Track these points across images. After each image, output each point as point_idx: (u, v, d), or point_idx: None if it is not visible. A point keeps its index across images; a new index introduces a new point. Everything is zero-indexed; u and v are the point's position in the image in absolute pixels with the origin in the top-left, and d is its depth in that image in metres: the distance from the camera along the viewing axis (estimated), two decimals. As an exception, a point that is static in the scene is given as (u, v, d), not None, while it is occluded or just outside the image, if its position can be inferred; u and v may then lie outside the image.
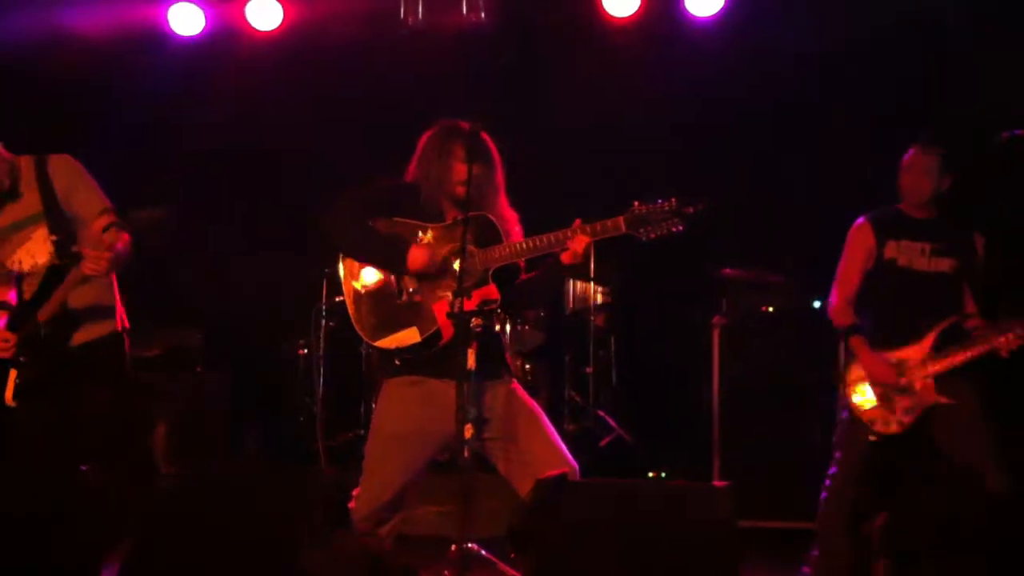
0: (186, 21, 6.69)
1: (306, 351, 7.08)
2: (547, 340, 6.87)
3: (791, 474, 5.64)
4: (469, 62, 6.95)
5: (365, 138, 6.74)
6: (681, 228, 3.71)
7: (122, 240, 4.04)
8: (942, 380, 4.38)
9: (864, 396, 4.47)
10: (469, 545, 3.71)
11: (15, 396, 4.06)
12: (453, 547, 3.69)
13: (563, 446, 3.84)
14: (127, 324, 4.40)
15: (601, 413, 6.89)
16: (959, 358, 4.38)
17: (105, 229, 3.91)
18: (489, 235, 3.85)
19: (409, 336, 3.81)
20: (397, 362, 3.89)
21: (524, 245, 3.82)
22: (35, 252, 4.18)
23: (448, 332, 3.75)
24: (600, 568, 3.06)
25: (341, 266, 3.97)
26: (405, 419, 3.85)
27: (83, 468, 4.05)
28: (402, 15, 6.74)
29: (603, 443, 6.72)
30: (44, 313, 4.08)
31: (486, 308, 3.74)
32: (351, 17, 6.83)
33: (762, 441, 5.79)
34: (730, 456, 5.87)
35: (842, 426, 4.60)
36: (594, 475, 5.16)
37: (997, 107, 5.53)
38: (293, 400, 7.20)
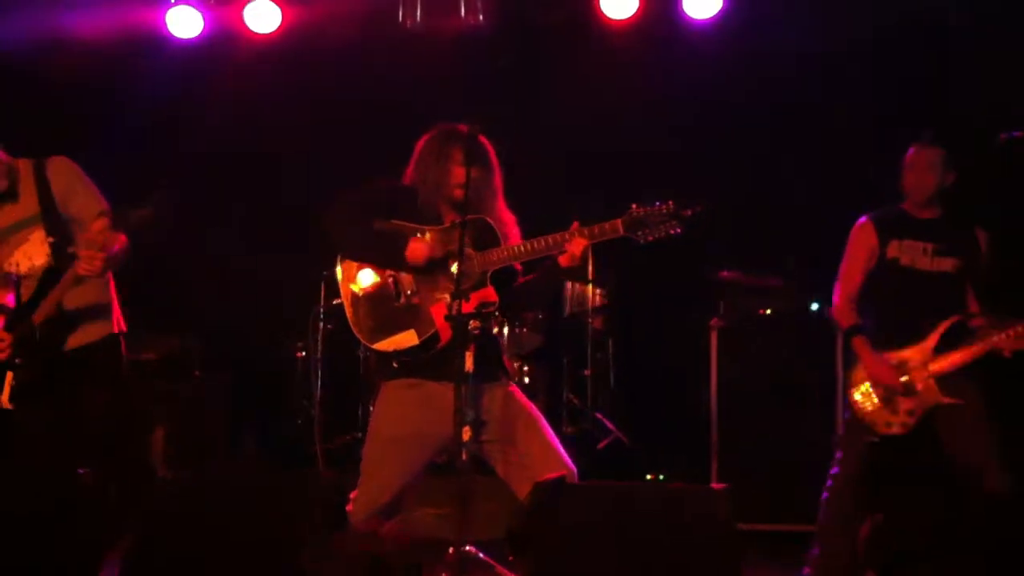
0: (184, 24, 6.69)
1: (304, 354, 7.08)
2: (545, 342, 6.86)
3: (790, 476, 5.64)
4: (467, 65, 6.95)
5: (363, 140, 6.74)
6: (679, 231, 3.72)
7: (118, 242, 4.05)
8: (945, 380, 4.39)
9: (867, 397, 4.48)
10: (467, 548, 3.70)
11: (11, 398, 4.06)
12: (451, 549, 3.69)
13: (561, 448, 3.84)
14: (124, 327, 4.40)
15: (599, 416, 6.88)
16: (962, 358, 4.38)
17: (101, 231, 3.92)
18: (487, 238, 3.85)
19: (407, 339, 3.82)
20: (395, 365, 3.89)
21: (522, 248, 3.82)
22: (32, 254, 4.19)
23: (446, 335, 3.75)
24: (598, 571, 3.06)
25: (339, 269, 3.97)
26: (403, 422, 3.85)
27: (81, 471, 4.05)
28: (400, 18, 6.74)
29: (601, 445, 6.71)
30: (40, 315, 4.08)
31: (484, 311, 3.74)
32: (349, 19, 6.83)
33: (760, 443, 5.79)
34: (728, 458, 5.87)
35: (845, 426, 4.60)
36: (592, 477, 5.17)
37: (998, 107, 5.54)
38: (291, 403, 7.20)
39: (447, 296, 3.72)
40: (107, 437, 4.27)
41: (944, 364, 4.40)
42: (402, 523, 3.92)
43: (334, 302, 6.48)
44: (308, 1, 6.81)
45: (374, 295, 3.90)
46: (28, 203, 4.22)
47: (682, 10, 6.48)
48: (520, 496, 3.74)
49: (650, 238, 3.73)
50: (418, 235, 3.89)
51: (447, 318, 3.69)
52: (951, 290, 4.53)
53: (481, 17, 6.67)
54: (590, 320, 6.95)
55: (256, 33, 6.80)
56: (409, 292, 3.85)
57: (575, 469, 3.80)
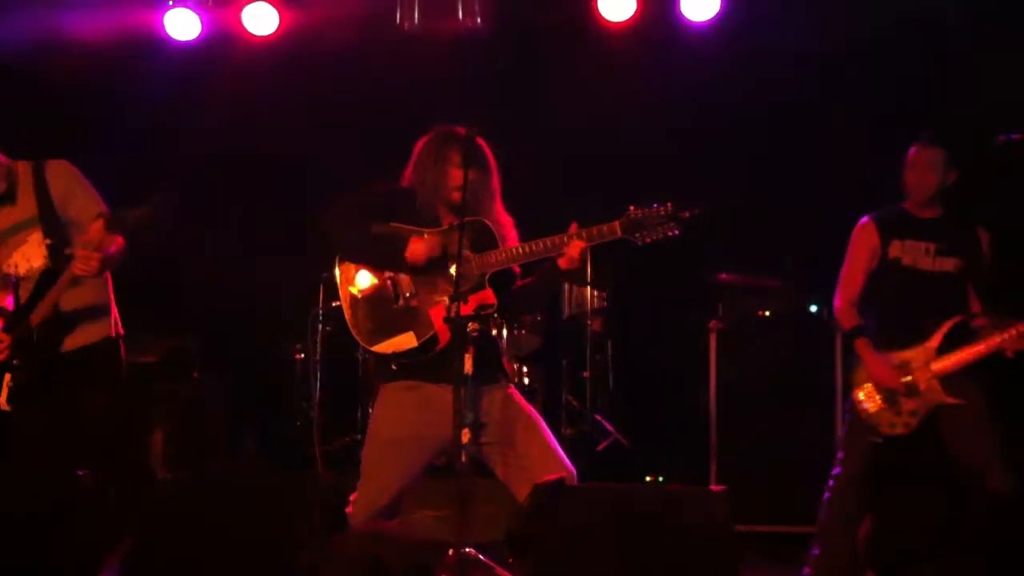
0: (182, 26, 6.68)
1: (303, 356, 7.08)
2: (544, 344, 6.87)
3: (788, 478, 5.65)
4: (465, 67, 6.95)
5: (361, 143, 6.74)
6: (677, 232, 3.73)
7: (115, 243, 4.06)
8: (948, 380, 4.39)
9: (870, 398, 4.48)
10: (467, 550, 3.70)
11: (9, 400, 4.07)
12: (451, 551, 3.68)
13: (560, 450, 3.84)
14: (121, 330, 4.41)
15: (598, 417, 6.89)
16: (964, 358, 4.39)
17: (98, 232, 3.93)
18: (485, 240, 3.85)
19: (406, 341, 3.82)
20: (394, 367, 3.89)
21: (520, 250, 3.82)
22: (30, 256, 4.20)
23: (445, 337, 3.75)
24: (598, 572, 3.06)
25: (338, 271, 3.98)
26: (402, 424, 3.85)
27: (80, 473, 4.05)
28: (398, 20, 6.74)
29: (600, 447, 6.72)
30: (37, 316, 4.09)
31: (483, 313, 3.74)
32: (347, 22, 6.83)
33: (759, 445, 5.79)
34: (727, 460, 5.87)
35: (847, 427, 4.61)
36: (591, 479, 5.17)
37: (997, 107, 5.54)
38: (290, 405, 7.20)
39: (446, 298, 3.73)
40: (106, 439, 4.28)
41: (947, 364, 4.40)
42: (402, 525, 3.92)
43: (333, 304, 6.48)
44: (306, 4, 6.80)
45: (373, 297, 3.90)
46: (26, 205, 4.23)
47: (680, 12, 6.49)
48: (519, 498, 3.74)
49: (648, 240, 3.74)
50: (416, 237, 3.89)
51: (446, 320, 3.69)
52: (953, 290, 4.53)
53: (479, 20, 6.67)
54: (589, 322, 6.95)
55: (254, 35, 6.79)
56: (408, 294, 3.85)
57: (574, 471, 3.80)
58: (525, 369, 6.73)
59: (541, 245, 3.80)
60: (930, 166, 4.52)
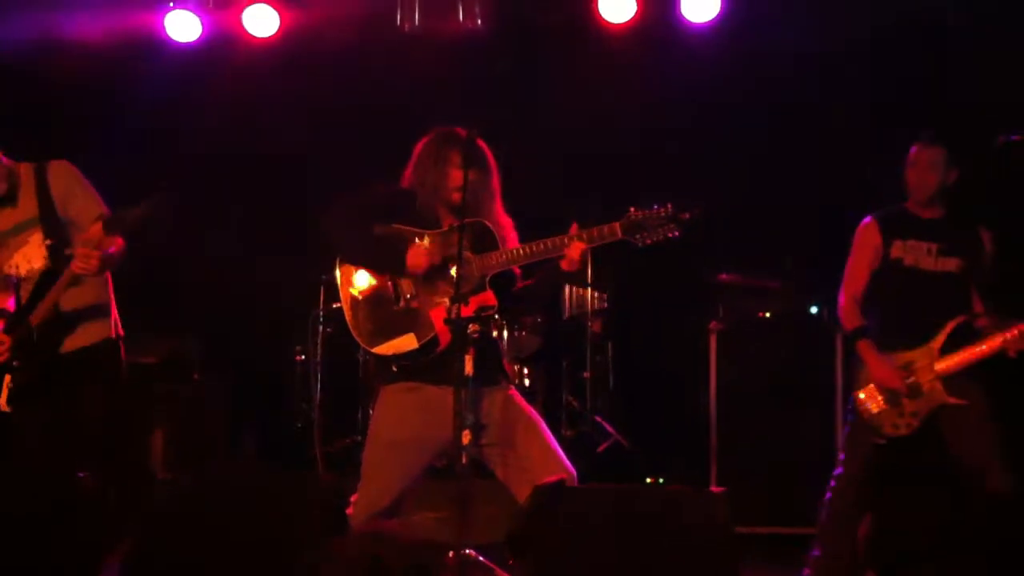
0: (183, 28, 6.69)
1: (304, 357, 7.08)
2: (544, 346, 6.87)
3: (788, 479, 5.65)
4: (465, 68, 6.96)
5: (361, 144, 6.74)
6: (677, 234, 3.73)
7: (114, 243, 4.07)
8: (950, 380, 4.39)
9: (872, 399, 4.48)
10: (467, 551, 3.71)
11: (9, 400, 4.07)
12: (451, 553, 3.68)
13: (561, 452, 3.84)
14: (121, 331, 4.41)
15: (598, 419, 6.89)
16: (966, 358, 4.39)
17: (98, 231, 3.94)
18: (485, 241, 3.86)
19: (406, 342, 3.82)
20: (394, 368, 3.89)
21: (521, 251, 3.83)
22: (31, 257, 4.20)
23: (445, 338, 3.75)
24: (598, 574, 3.06)
25: (338, 272, 3.98)
26: (403, 425, 3.85)
27: (81, 475, 4.05)
28: (398, 21, 6.74)
29: (600, 449, 6.72)
30: (36, 316, 4.10)
31: (483, 314, 3.75)
32: (347, 23, 6.83)
33: (759, 446, 5.79)
34: (727, 461, 5.87)
35: (849, 427, 4.61)
36: (592, 481, 5.17)
37: (997, 107, 5.54)
38: (291, 406, 7.20)
39: (446, 300, 3.73)
40: (106, 439, 4.28)
41: (949, 365, 4.40)
42: (402, 527, 3.92)
43: (333, 306, 6.49)
44: (306, 5, 6.81)
45: (373, 298, 3.90)
46: (27, 206, 4.24)
47: (680, 14, 6.49)
48: (520, 499, 3.74)
49: (648, 241, 3.74)
50: (417, 239, 3.89)
51: (446, 322, 3.69)
52: (955, 290, 4.53)
53: (479, 21, 6.68)
54: (589, 323, 6.95)
55: (255, 37, 6.80)
56: (408, 296, 3.86)
57: (574, 472, 3.80)
58: (525, 370, 6.73)
59: (541, 246, 3.80)
60: (931, 165, 4.52)
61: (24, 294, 4.15)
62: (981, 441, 4.37)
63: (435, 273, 3.85)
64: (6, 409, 4.07)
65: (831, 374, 5.77)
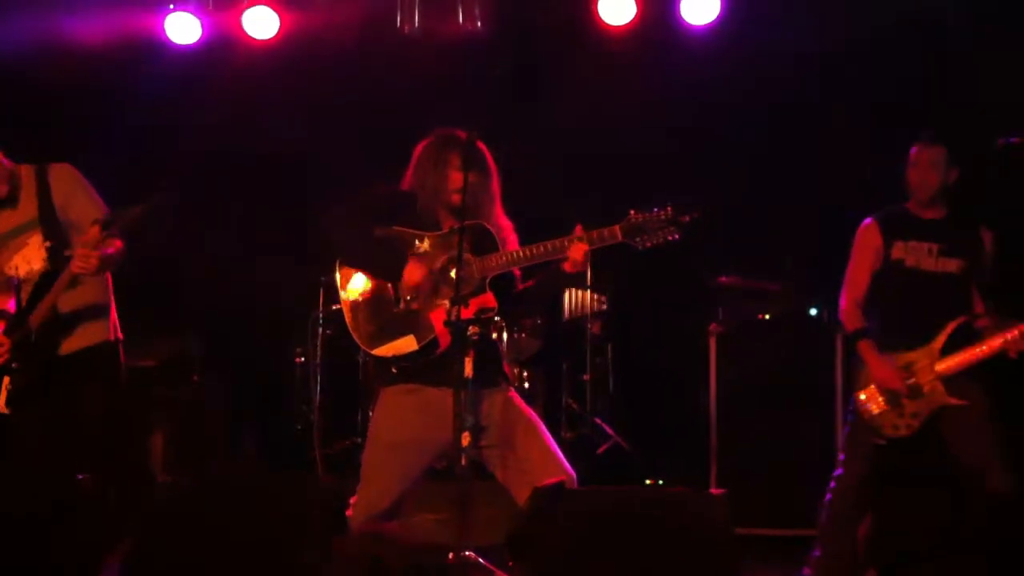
0: (183, 30, 6.68)
1: (303, 359, 7.08)
2: (544, 348, 6.87)
3: (788, 481, 5.64)
4: (465, 70, 6.96)
5: (362, 145, 6.74)
6: (677, 237, 3.73)
7: (114, 245, 4.07)
8: (951, 381, 4.39)
9: (873, 399, 4.48)
10: (467, 553, 3.71)
11: (8, 402, 4.07)
12: (451, 555, 3.69)
13: (560, 454, 3.84)
14: (120, 335, 4.42)
15: (598, 421, 6.89)
16: (967, 359, 4.39)
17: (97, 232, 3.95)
18: (485, 243, 3.85)
19: (406, 344, 3.82)
20: (394, 370, 3.89)
21: (521, 253, 3.82)
22: (31, 258, 4.21)
23: (445, 340, 3.75)
24: (597, 575, 3.06)
25: (338, 274, 3.98)
26: (402, 427, 3.85)
27: (80, 477, 4.06)
28: (398, 23, 6.74)
29: (600, 450, 6.72)
30: (36, 318, 4.10)
31: (483, 316, 3.74)
32: (347, 25, 6.83)
33: (759, 448, 5.78)
34: (727, 463, 5.87)
35: (849, 428, 4.61)
36: (591, 482, 5.16)
37: (997, 107, 5.54)
38: (290, 408, 7.20)
39: (446, 302, 3.72)
40: (106, 439, 4.28)
41: (950, 365, 4.40)
42: (402, 528, 3.92)
43: (333, 307, 6.49)
44: (306, 7, 6.81)
45: (373, 300, 3.90)
46: (27, 208, 4.25)
47: (680, 16, 6.49)
48: (519, 501, 3.74)
49: (648, 244, 3.74)
50: (417, 244, 3.89)
51: (446, 324, 3.69)
52: (956, 291, 4.53)
53: (479, 23, 6.68)
54: (589, 325, 6.96)
55: (255, 39, 6.79)
56: (408, 297, 3.85)
57: (574, 474, 3.80)
58: (525, 373, 6.73)
59: (542, 249, 3.80)
60: (931, 165, 4.52)
61: (24, 296, 4.16)
62: (981, 441, 4.37)
63: (435, 275, 3.85)
64: (5, 411, 4.07)
65: (831, 375, 5.76)
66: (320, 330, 6.83)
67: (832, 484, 4.54)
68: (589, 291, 6.96)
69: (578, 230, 3.78)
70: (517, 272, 3.97)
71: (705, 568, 3.02)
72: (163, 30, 6.70)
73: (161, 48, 6.76)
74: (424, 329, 3.80)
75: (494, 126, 3.98)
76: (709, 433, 5.92)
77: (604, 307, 7.10)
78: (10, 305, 4.15)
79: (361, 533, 3.75)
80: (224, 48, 6.89)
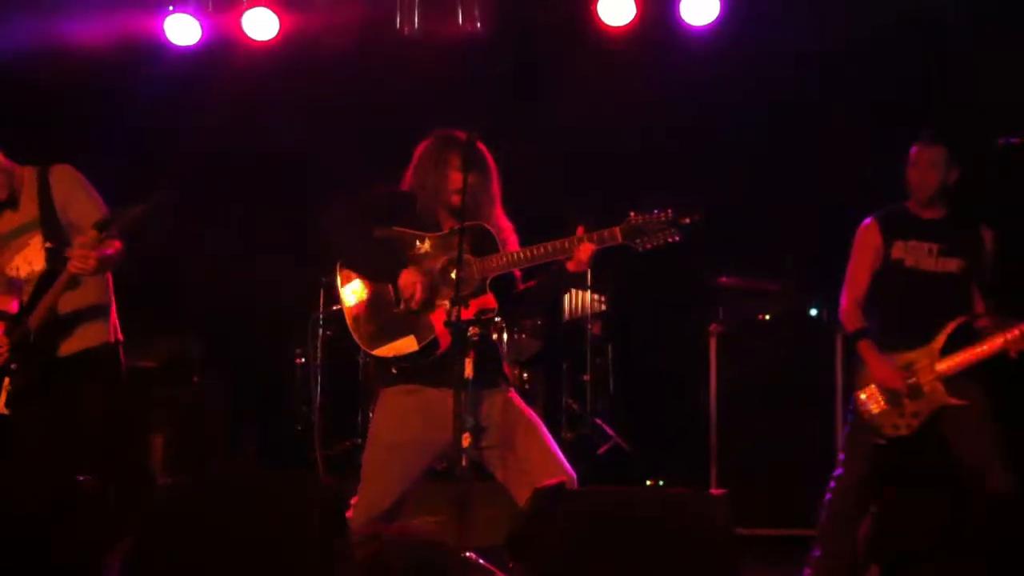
0: (183, 31, 6.68)
1: (304, 360, 7.08)
2: (544, 348, 6.87)
3: (789, 481, 5.65)
4: (465, 71, 6.96)
5: (362, 146, 6.75)
6: (677, 238, 3.73)
7: (112, 246, 4.08)
8: (951, 381, 4.39)
9: (873, 399, 4.48)
10: (467, 554, 3.71)
11: (8, 403, 4.07)
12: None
13: (561, 454, 3.84)
14: (121, 336, 4.42)
15: (598, 421, 6.89)
16: (967, 359, 4.39)
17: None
18: (486, 244, 3.85)
19: (406, 345, 3.82)
20: (394, 371, 3.89)
21: (522, 254, 3.82)
22: (32, 259, 4.22)
23: (445, 341, 3.75)
24: (598, 576, 3.06)
25: (339, 275, 3.98)
26: (402, 428, 3.85)
27: (81, 478, 4.06)
28: (398, 24, 6.74)
29: (601, 451, 6.73)
30: (35, 318, 4.10)
31: (484, 317, 3.74)
32: (347, 26, 6.82)
33: (759, 448, 5.79)
34: (728, 464, 5.87)
35: (849, 428, 4.61)
36: (592, 483, 5.17)
37: (997, 107, 5.54)
38: (291, 409, 7.20)
39: (447, 302, 3.72)
40: (106, 439, 4.29)
41: (950, 365, 4.40)
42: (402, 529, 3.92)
43: (333, 308, 6.49)
44: (306, 8, 6.80)
45: (373, 301, 3.90)
46: (28, 209, 4.27)
47: (679, 17, 6.48)
48: (520, 502, 3.74)
49: (648, 246, 3.74)
50: (417, 244, 3.89)
51: (446, 324, 3.69)
52: (956, 291, 4.54)
53: (478, 24, 6.68)
54: (589, 326, 6.96)
55: (254, 40, 6.79)
56: (408, 300, 3.85)
57: (574, 475, 3.80)
58: (525, 373, 6.73)
59: (542, 249, 3.80)
60: (932, 164, 4.52)
61: (24, 297, 4.16)
62: (981, 441, 4.37)
63: (435, 275, 3.85)
64: (5, 411, 4.08)
65: (831, 375, 5.77)
66: (320, 331, 6.83)
67: (832, 484, 4.54)
68: (589, 292, 6.96)
69: (580, 231, 3.78)
70: (517, 273, 3.97)
71: (705, 568, 3.02)
72: (163, 31, 6.70)
73: (161, 49, 6.75)
74: (424, 330, 3.80)
75: (494, 126, 3.98)
76: (709, 433, 5.93)
77: (604, 307, 7.10)
78: (13, 305, 4.15)
79: (361, 538, 3.76)
80: (224, 49, 6.89)
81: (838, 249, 4.75)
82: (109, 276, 4.37)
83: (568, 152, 6.89)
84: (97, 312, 4.31)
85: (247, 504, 3.21)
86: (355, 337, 3.89)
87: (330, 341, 6.83)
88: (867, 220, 4.67)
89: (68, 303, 4.18)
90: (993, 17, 6.05)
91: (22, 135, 4.52)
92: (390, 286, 3.87)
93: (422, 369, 3.83)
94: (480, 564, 3.78)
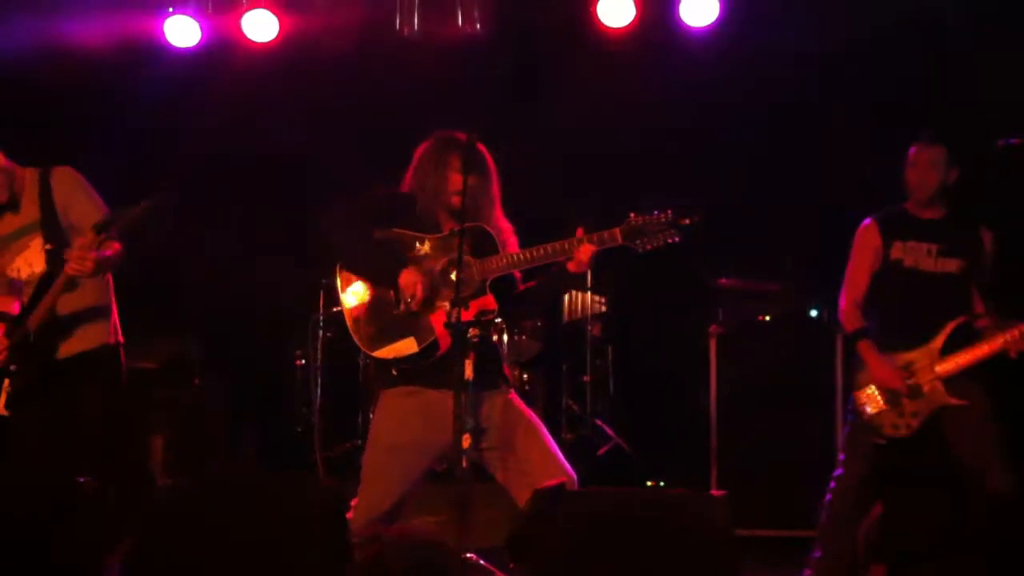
0: (183, 33, 6.68)
1: (304, 362, 7.08)
2: (544, 350, 6.87)
3: (789, 481, 5.65)
4: (464, 72, 6.96)
5: (362, 147, 6.75)
6: (677, 239, 3.73)
7: (111, 248, 4.08)
8: (951, 381, 4.39)
9: (872, 399, 4.48)
10: (467, 555, 3.71)
11: (7, 405, 4.07)
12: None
13: (561, 455, 3.84)
14: (121, 338, 4.42)
15: (599, 422, 6.89)
16: (967, 359, 4.39)
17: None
18: (486, 245, 3.85)
19: (406, 346, 3.82)
20: (394, 372, 3.89)
21: (522, 255, 3.83)
22: (32, 261, 4.23)
23: (445, 342, 3.75)
24: (598, 577, 3.06)
25: (339, 277, 3.98)
26: (403, 429, 3.85)
27: (80, 480, 4.06)
28: (398, 26, 6.74)
29: (601, 452, 6.72)
30: (34, 320, 4.10)
31: (484, 318, 3.74)
32: (347, 28, 6.82)
33: (760, 449, 5.79)
34: (728, 465, 5.87)
35: (849, 428, 4.61)
36: (592, 484, 5.16)
37: (997, 107, 5.54)
38: (291, 410, 7.20)
39: (447, 304, 3.72)
40: (106, 440, 4.29)
41: (950, 365, 4.41)
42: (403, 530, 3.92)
43: (333, 310, 6.49)
44: (306, 10, 6.80)
45: (374, 302, 3.90)
46: (29, 211, 4.27)
47: (679, 18, 6.48)
48: (520, 503, 3.74)
49: (648, 247, 3.74)
50: (417, 246, 3.89)
51: (446, 326, 3.69)
52: (956, 291, 4.54)
53: (478, 25, 6.68)
54: (589, 327, 6.96)
55: (254, 42, 6.79)
56: (408, 300, 3.85)
57: (575, 476, 3.80)
58: (526, 374, 6.73)
59: (542, 251, 3.80)
60: (931, 165, 4.52)
61: (25, 298, 4.17)
62: (982, 441, 4.37)
63: (435, 277, 3.85)
64: (5, 413, 4.08)
65: (831, 375, 5.77)
66: (320, 332, 6.83)
67: (832, 484, 4.54)
68: (589, 293, 6.96)
69: (580, 232, 3.78)
70: (517, 274, 3.97)
71: (705, 570, 3.02)
72: (163, 33, 6.70)
73: (161, 51, 6.75)
74: (424, 331, 3.80)
75: (494, 128, 3.99)
76: (709, 434, 5.93)
77: (604, 309, 7.10)
78: (13, 307, 4.16)
79: (361, 539, 3.75)
80: (224, 51, 6.89)
81: (838, 250, 4.75)
82: (110, 278, 4.37)
83: (568, 153, 6.89)
84: (97, 314, 4.31)
85: (247, 506, 3.22)
86: (355, 339, 3.89)
87: (330, 343, 6.83)
88: (866, 221, 4.68)
89: (67, 304, 4.19)
90: (993, 17, 6.05)
91: (22, 136, 4.52)
92: (390, 288, 3.87)
93: (422, 371, 3.83)
94: (480, 565, 3.77)
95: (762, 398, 5.85)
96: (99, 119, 6.81)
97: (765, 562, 5.13)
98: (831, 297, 4.73)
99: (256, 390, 7.25)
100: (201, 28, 6.71)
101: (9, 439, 4.18)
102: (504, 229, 3.97)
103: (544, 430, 3.89)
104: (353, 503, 3.86)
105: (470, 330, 3.61)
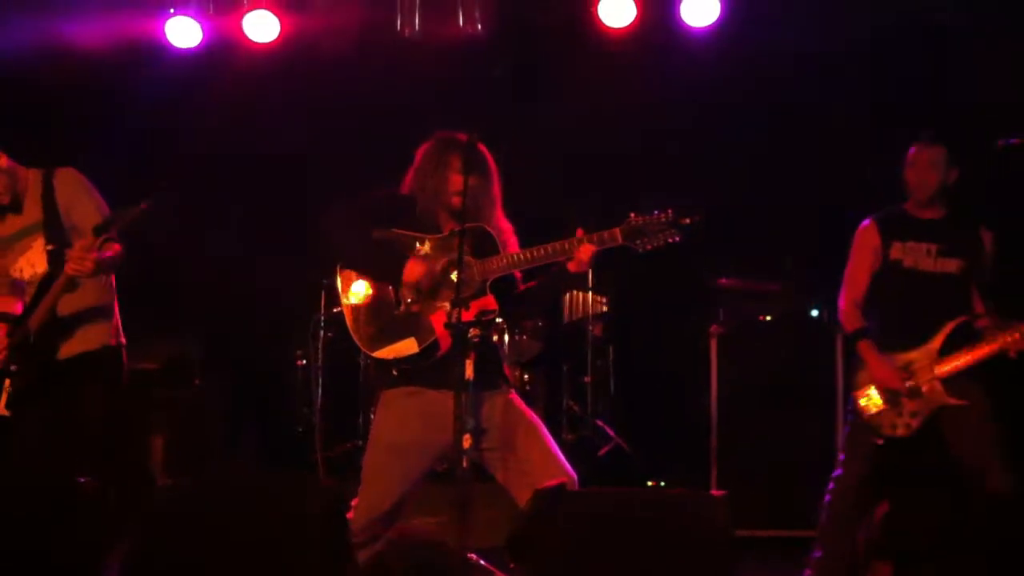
0: (184, 33, 6.69)
1: (304, 362, 7.08)
2: (545, 350, 6.87)
3: (789, 482, 5.65)
4: (465, 73, 6.96)
5: (362, 147, 6.75)
6: (677, 239, 3.73)
7: (112, 248, 4.08)
8: (950, 381, 4.39)
9: (871, 399, 4.49)
10: (468, 555, 3.70)
11: (8, 405, 4.07)
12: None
13: (561, 455, 3.84)
14: (123, 339, 4.42)
15: (599, 422, 6.89)
16: (967, 359, 4.39)
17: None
18: (486, 246, 3.86)
19: (407, 347, 3.82)
20: (395, 373, 3.89)
21: (522, 256, 3.83)
22: (35, 261, 4.24)
23: (446, 343, 3.75)
24: (598, 577, 3.06)
25: (339, 277, 3.98)
26: (403, 430, 3.85)
27: (80, 480, 4.06)
28: (398, 26, 6.74)
29: (601, 452, 6.72)
30: (35, 320, 4.11)
31: (484, 319, 3.74)
32: (347, 29, 6.83)
33: (760, 449, 5.79)
34: (728, 465, 5.87)
35: (849, 428, 4.61)
36: (592, 484, 5.16)
37: (997, 107, 5.54)
38: (291, 411, 7.20)
39: (447, 304, 3.72)
40: (106, 440, 4.29)
41: (950, 366, 4.41)
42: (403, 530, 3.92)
43: (334, 310, 6.50)
44: (307, 10, 6.81)
45: (374, 303, 3.90)
46: (32, 212, 4.28)
47: (680, 18, 6.49)
48: (520, 503, 3.74)
49: (649, 247, 3.74)
50: (417, 246, 3.90)
51: (447, 326, 3.69)
52: (955, 291, 4.54)
53: (479, 26, 6.68)
54: (590, 327, 6.96)
55: (255, 42, 6.80)
56: (409, 300, 3.85)
57: (575, 476, 3.80)
58: (526, 375, 6.73)
59: (543, 251, 3.80)
60: (931, 165, 4.52)
61: (27, 298, 4.18)
62: (981, 441, 4.37)
63: (435, 275, 3.85)
64: (5, 413, 4.08)
65: (831, 375, 5.77)
66: (321, 332, 6.84)
67: (832, 484, 4.54)
68: (590, 293, 6.96)
69: (579, 233, 3.78)
70: (518, 274, 3.97)
71: (705, 570, 3.02)
72: (164, 34, 6.70)
73: (162, 52, 6.76)
74: (425, 331, 3.81)
75: (494, 128, 3.99)
76: (710, 434, 5.93)
77: (605, 309, 7.10)
78: (16, 308, 4.16)
79: (362, 539, 3.76)
80: (224, 52, 6.89)
81: (838, 250, 4.75)
82: (112, 279, 4.38)
83: (568, 153, 6.90)
84: (98, 314, 4.31)
85: (247, 506, 3.22)
86: (355, 339, 3.89)
87: (331, 343, 6.83)
88: (865, 221, 4.68)
89: (68, 305, 4.19)
90: (993, 18, 6.05)
91: (22, 136, 4.53)
92: (390, 288, 3.87)
93: (423, 371, 3.83)
94: (481, 565, 3.77)
95: (762, 398, 5.84)
96: (99, 119, 6.81)
97: (765, 562, 5.13)
98: (831, 297, 4.73)
99: (256, 390, 7.25)
100: (202, 29, 6.72)
101: (9, 439, 4.18)
102: (504, 229, 3.97)
103: (544, 430, 3.89)
104: (353, 503, 3.87)
105: (470, 330, 3.61)
